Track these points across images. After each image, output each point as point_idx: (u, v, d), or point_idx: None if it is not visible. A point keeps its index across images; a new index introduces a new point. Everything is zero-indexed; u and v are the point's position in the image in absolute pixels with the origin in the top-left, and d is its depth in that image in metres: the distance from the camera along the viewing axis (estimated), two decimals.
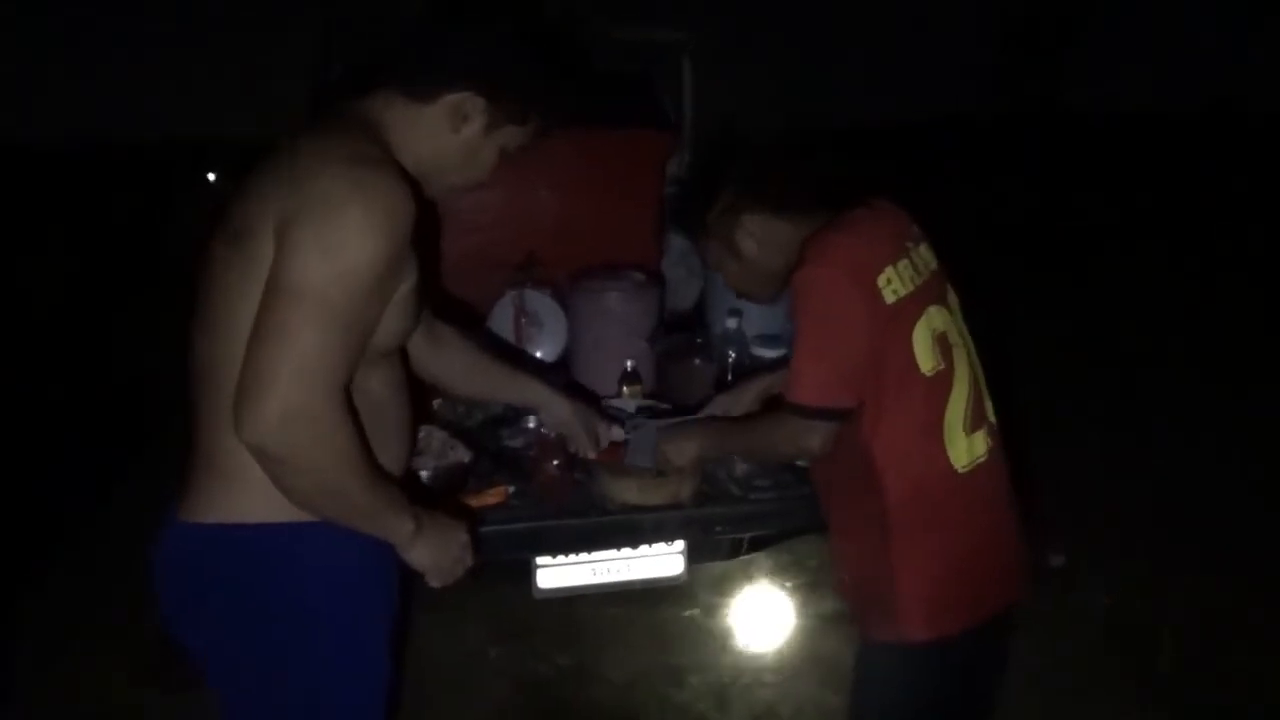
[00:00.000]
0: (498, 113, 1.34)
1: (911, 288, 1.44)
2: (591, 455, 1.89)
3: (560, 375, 2.32)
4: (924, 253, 1.53)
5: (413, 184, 1.24)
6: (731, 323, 2.29)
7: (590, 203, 2.69)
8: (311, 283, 1.12)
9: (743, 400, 1.92)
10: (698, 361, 2.24)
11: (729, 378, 2.19)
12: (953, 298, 1.56)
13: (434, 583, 1.38)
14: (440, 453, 1.86)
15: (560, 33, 1.44)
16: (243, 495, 1.22)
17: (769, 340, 2.33)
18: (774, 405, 1.97)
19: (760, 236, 1.54)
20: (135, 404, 4.36)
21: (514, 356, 2.23)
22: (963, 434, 1.46)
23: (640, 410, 2.09)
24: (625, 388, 2.21)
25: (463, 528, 1.41)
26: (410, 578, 1.39)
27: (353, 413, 1.20)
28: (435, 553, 1.34)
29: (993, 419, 1.55)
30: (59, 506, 3.51)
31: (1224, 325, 6.05)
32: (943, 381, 1.45)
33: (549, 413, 1.88)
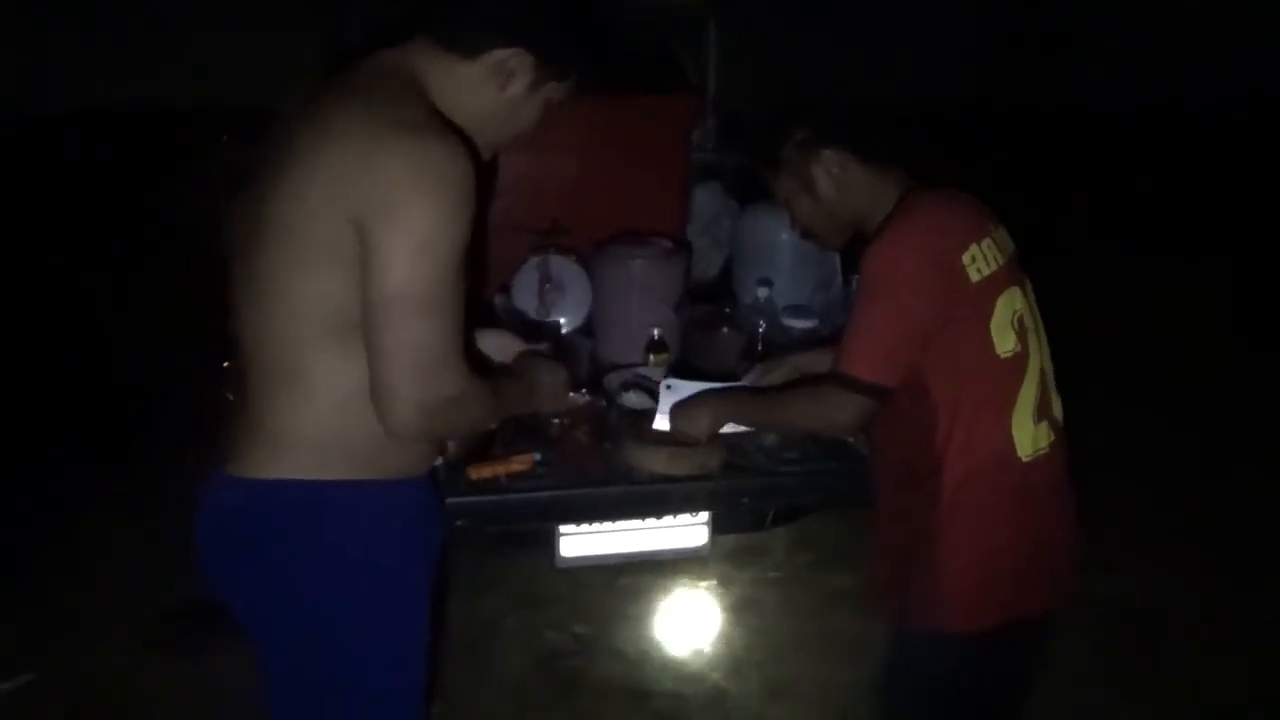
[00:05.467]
0: (543, 69, 1.30)
1: (995, 267, 1.42)
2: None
3: (587, 342, 2.29)
4: (1003, 234, 1.50)
5: (464, 138, 1.22)
6: (762, 292, 2.25)
7: (615, 168, 2.63)
8: (414, 288, 1.14)
9: (777, 373, 1.89)
10: (725, 331, 2.21)
11: (759, 348, 2.16)
12: (1028, 283, 1.52)
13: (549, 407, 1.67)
14: None
15: None
16: (291, 454, 1.24)
17: (798, 310, 2.30)
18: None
19: (837, 175, 1.51)
20: (135, 389, 4.25)
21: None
22: (1031, 422, 1.43)
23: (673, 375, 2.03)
24: (651, 355, 2.17)
25: (549, 368, 1.59)
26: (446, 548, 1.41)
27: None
28: (547, 401, 1.59)
29: (1058, 414, 1.52)
30: (57, 490, 3.43)
31: (1227, 314, 5.97)
32: (1018, 365, 1.42)
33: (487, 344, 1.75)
